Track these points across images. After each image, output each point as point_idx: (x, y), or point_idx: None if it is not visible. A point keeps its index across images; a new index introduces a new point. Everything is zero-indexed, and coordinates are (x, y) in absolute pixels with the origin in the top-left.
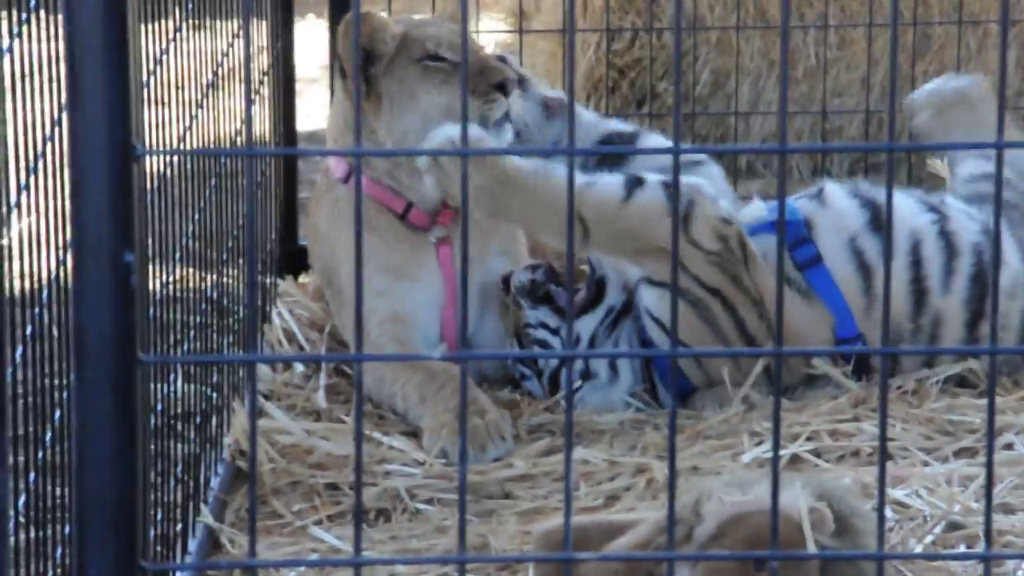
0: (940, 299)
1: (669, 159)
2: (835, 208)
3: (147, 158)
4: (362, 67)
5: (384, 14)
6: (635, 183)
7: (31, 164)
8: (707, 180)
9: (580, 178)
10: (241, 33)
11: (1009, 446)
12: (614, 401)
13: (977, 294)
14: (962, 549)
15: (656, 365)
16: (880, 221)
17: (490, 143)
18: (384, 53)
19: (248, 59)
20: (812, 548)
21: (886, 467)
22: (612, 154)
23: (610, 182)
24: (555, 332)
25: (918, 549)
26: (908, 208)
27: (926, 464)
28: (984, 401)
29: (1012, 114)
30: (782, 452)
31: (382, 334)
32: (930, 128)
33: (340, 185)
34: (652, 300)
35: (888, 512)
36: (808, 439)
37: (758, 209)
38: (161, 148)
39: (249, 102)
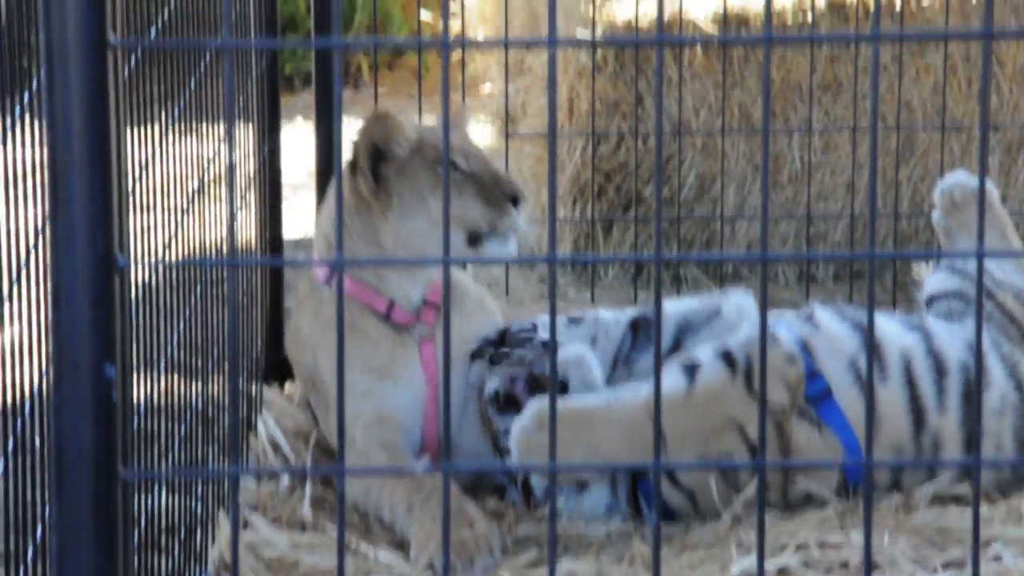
0: (937, 418)
1: (749, 305)
2: (828, 332)
3: (131, 267)
4: (374, 166)
5: (406, 119)
6: (692, 368)
7: (14, 274)
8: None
9: (642, 388)
10: (226, 137)
11: (998, 558)
12: (584, 511)
13: (969, 414)
14: None
15: (643, 491)
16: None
17: (570, 403)
18: (398, 155)
19: (232, 166)
20: None
21: None
22: (692, 323)
23: (669, 375)
24: None
25: None
26: (894, 330)
27: None
28: (970, 511)
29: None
30: (769, 564)
31: (368, 438)
32: (945, 224)
33: (323, 288)
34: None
35: None
36: (796, 549)
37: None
38: (147, 255)
39: (232, 210)
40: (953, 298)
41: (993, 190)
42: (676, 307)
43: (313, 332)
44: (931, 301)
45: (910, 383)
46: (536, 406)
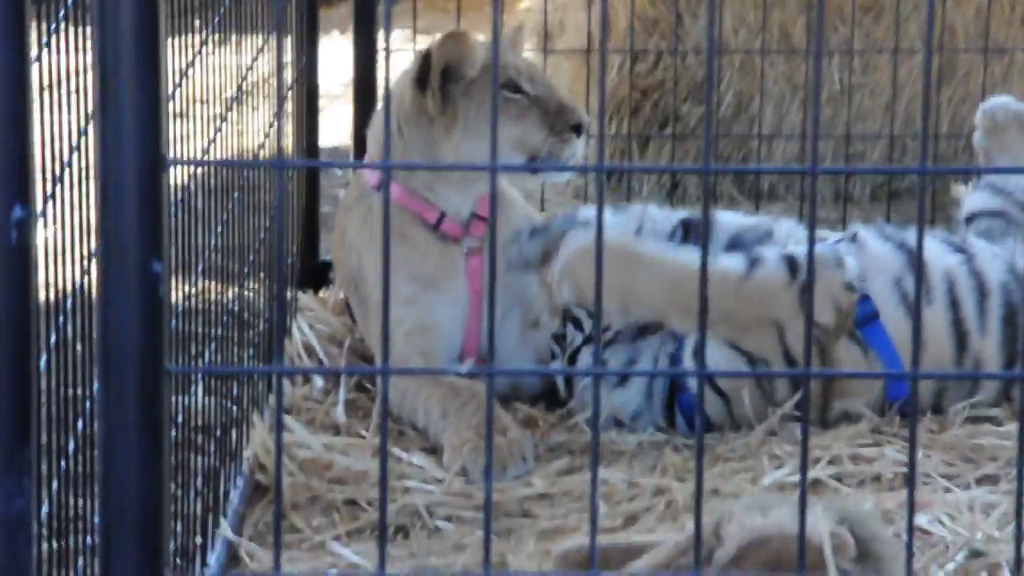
0: (979, 341)
1: (801, 235)
2: (872, 252)
3: (171, 170)
4: (442, 83)
5: (478, 37)
6: (756, 259)
7: (56, 174)
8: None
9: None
10: (267, 47)
11: None
12: (613, 403)
13: (1010, 336)
14: None
15: (680, 403)
16: (915, 259)
17: (626, 240)
18: (468, 75)
19: (280, 69)
20: (833, 573)
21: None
22: (744, 239)
23: (732, 258)
24: (562, 339)
25: None
26: (936, 249)
27: (948, 491)
28: (1005, 429)
29: None
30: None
31: (408, 345)
32: (985, 146)
33: (373, 193)
34: (722, 363)
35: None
36: (829, 463)
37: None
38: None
39: (280, 113)
40: (994, 217)
41: None
42: (730, 219)
43: (361, 236)
44: (971, 219)
45: (954, 304)
46: (584, 234)
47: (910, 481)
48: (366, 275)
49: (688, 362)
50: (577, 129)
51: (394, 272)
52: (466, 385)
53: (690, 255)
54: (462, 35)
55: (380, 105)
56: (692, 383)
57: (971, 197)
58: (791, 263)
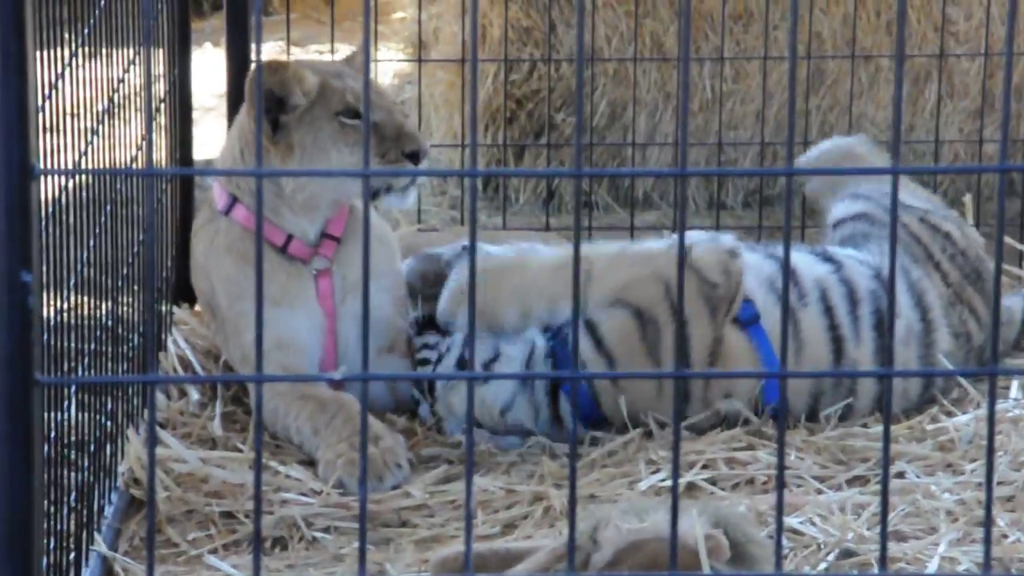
0: (855, 349)
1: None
2: (744, 260)
3: (42, 183)
4: (273, 114)
5: (295, 56)
6: (633, 243)
7: None
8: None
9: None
10: (138, 59)
11: (901, 474)
12: (481, 398)
13: (881, 343)
14: None
15: (564, 389)
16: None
17: (510, 248)
18: (298, 104)
19: (149, 80)
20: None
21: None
22: None
23: (608, 245)
24: (433, 347)
25: None
26: (805, 259)
27: (820, 492)
28: (875, 431)
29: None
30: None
31: (269, 363)
32: (820, 189)
33: (220, 217)
34: (603, 318)
35: (782, 539)
36: (704, 467)
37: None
38: (58, 170)
39: (150, 121)
40: (860, 220)
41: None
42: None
43: (209, 259)
44: (838, 225)
45: (828, 310)
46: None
47: (779, 480)
48: (218, 298)
49: (585, 335)
50: (413, 157)
51: (244, 295)
52: (332, 397)
53: (569, 246)
54: (280, 65)
55: (229, 129)
56: (586, 355)
57: (836, 207)
58: (669, 243)
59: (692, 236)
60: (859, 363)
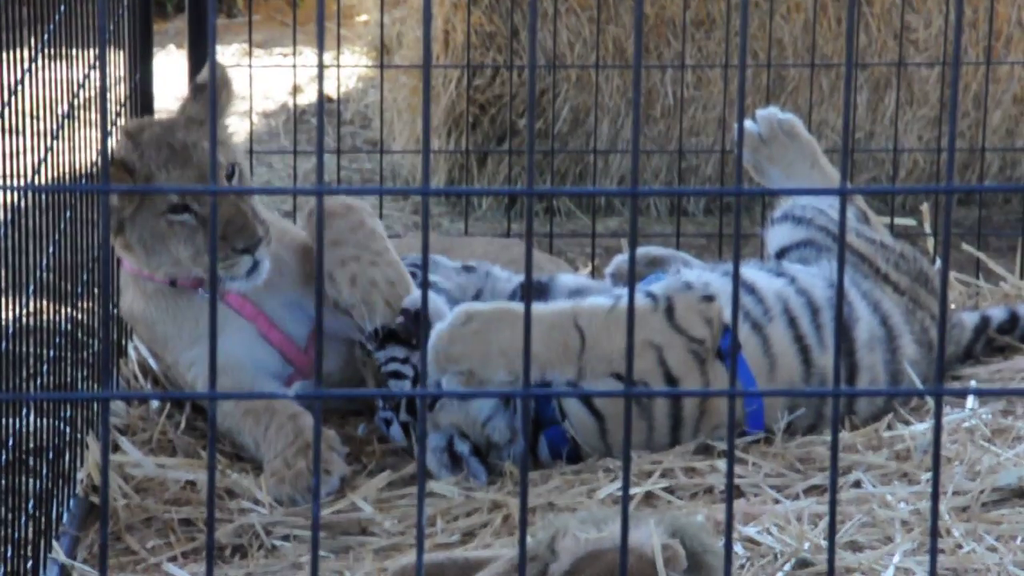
0: (821, 357)
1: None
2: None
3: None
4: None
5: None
6: (616, 297)
7: None
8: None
9: (571, 302)
10: (98, 63)
11: (857, 483)
12: (467, 412)
13: (845, 349)
14: None
15: (547, 435)
16: (746, 285)
17: (497, 304)
18: (123, 213)
19: (104, 90)
20: None
21: (736, 505)
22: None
23: (596, 298)
24: (405, 361)
25: None
26: (761, 274)
27: (777, 502)
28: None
29: (830, 152)
30: (635, 489)
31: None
32: (754, 162)
33: (126, 275)
34: (597, 385)
35: (739, 549)
36: (662, 476)
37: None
38: (15, 179)
39: (105, 138)
40: (803, 247)
41: (795, 119)
42: (570, 279)
43: (132, 312)
44: (782, 254)
45: (792, 321)
46: (465, 306)
47: (729, 489)
48: (145, 341)
49: (577, 404)
50: (247, 251)
51: (168, 342)
52: (281, 407)
53: (554, 304)
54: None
55: None
56: (567, 411)
57: (773, 232)
58: (650, 296)
59: (660, 286)
60: (827, 368)
